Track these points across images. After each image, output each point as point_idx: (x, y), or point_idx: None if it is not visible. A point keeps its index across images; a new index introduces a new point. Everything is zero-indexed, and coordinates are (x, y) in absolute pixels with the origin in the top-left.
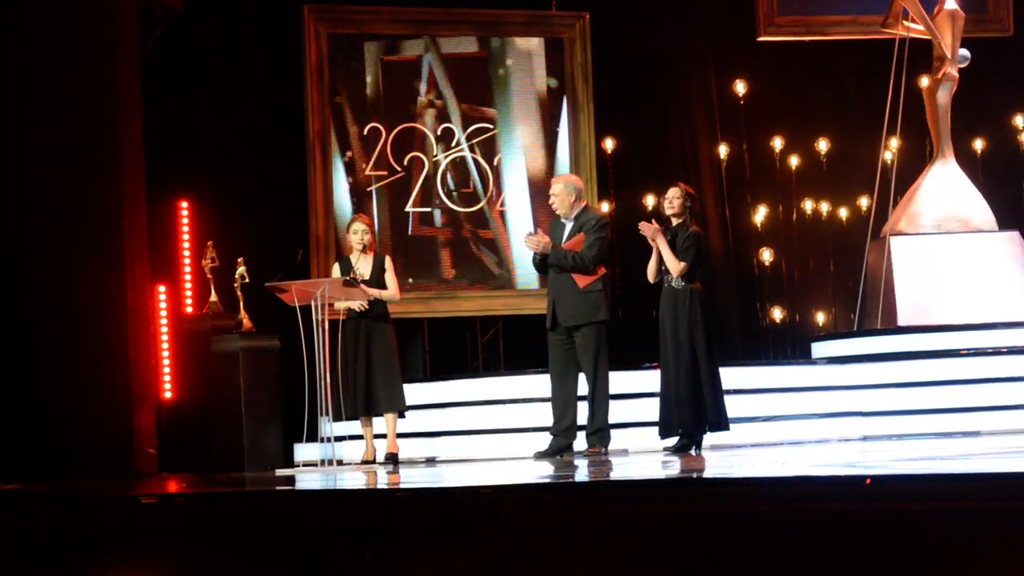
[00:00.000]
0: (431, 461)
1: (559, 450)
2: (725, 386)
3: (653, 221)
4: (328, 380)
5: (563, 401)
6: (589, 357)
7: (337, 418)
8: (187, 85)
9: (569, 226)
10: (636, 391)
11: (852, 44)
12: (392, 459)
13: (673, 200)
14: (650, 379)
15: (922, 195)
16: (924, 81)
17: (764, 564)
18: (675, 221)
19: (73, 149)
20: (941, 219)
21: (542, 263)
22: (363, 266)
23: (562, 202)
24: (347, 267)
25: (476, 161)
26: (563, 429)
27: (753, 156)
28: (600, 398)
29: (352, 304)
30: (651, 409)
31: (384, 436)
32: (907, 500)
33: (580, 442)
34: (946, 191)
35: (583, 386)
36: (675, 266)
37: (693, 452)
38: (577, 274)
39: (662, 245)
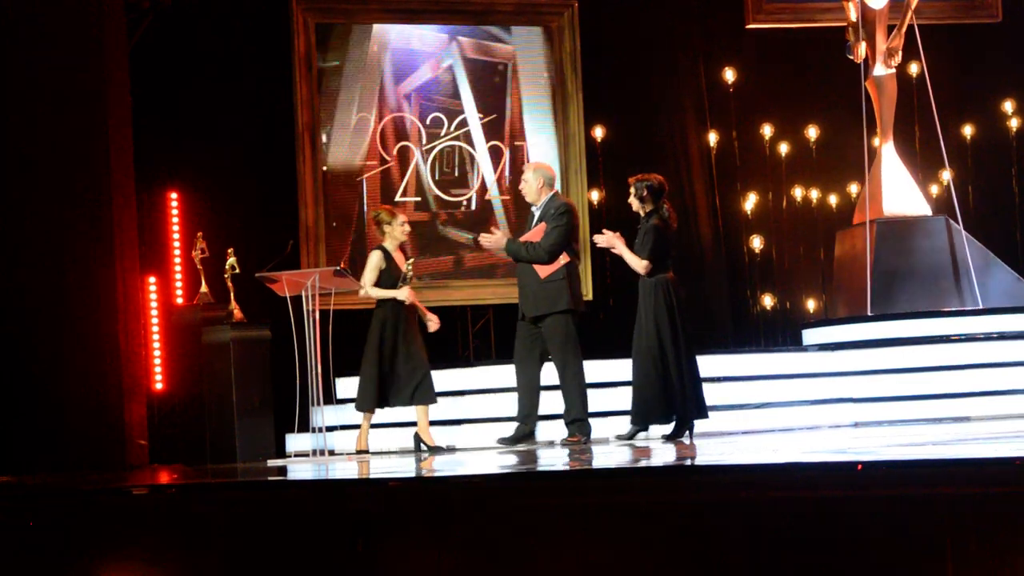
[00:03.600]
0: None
1: (521, 438)
2: (716, 373)
3: (604, 231)
4: (320, 370)
5: (525, 389)
6: (556, 347)
7: (381, 405)
8: (176, 76)
9: (536, 214)
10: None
11: (841, 31)
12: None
13: (630, 201)
14: (622, 368)
15: (896, 180)
16: (877, 70)
17: (756, 550)
18: (642, 214)
19: (62, 141)
20: (920, 202)
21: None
22: (400, 257)
23: (530, 188)
24: (389, 258)
25: (465, 150)
26: (524, 417)
27: (743, 144)
28: (571, 388)
29: (399, 294)
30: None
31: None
32: (898, 486)
33: (562, 431)
34: (907, 176)
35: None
36: (638, 265)
37: (686, 440)
38: (538, 265)
39: (622, 251)
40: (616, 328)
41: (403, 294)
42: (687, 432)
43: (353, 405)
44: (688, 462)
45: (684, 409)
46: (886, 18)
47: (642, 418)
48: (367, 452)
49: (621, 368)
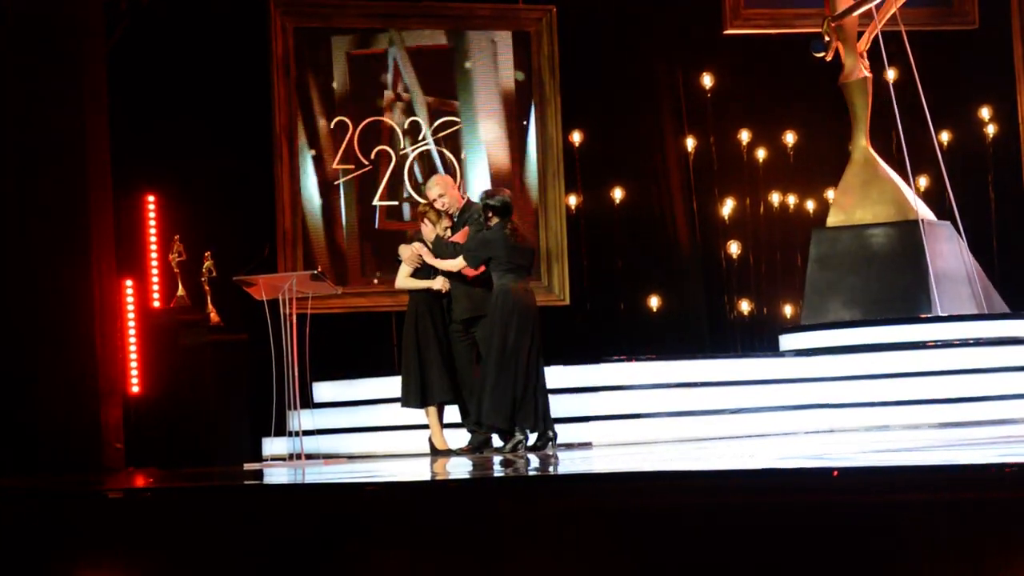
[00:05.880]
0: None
1: (480, 445)
2: (693, 378)
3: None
4: (296, 374)
5: (472, 396)
6: (487, 350)
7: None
8: (153, 79)
9: (455, 220)
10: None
11: (817, 37)
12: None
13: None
14: (613, 372)
15: (876, 184)
16: (853, 75)
17: (732, 556)
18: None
19: (39, 143)
20: (925, 207)
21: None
22: None
23: (452, 200)
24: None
25: (443, 155)
26: (477, 423)
27: (720, 149)
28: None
29: (435, 284)
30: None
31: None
32: (874, 492)
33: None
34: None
35: None
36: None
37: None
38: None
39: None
40: (592, 332)
41: (438, 283)
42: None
43: (329, 408)
44: (659, 468)
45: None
46: (857, 22)
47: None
48: (451, 451)
49: (599, 373)
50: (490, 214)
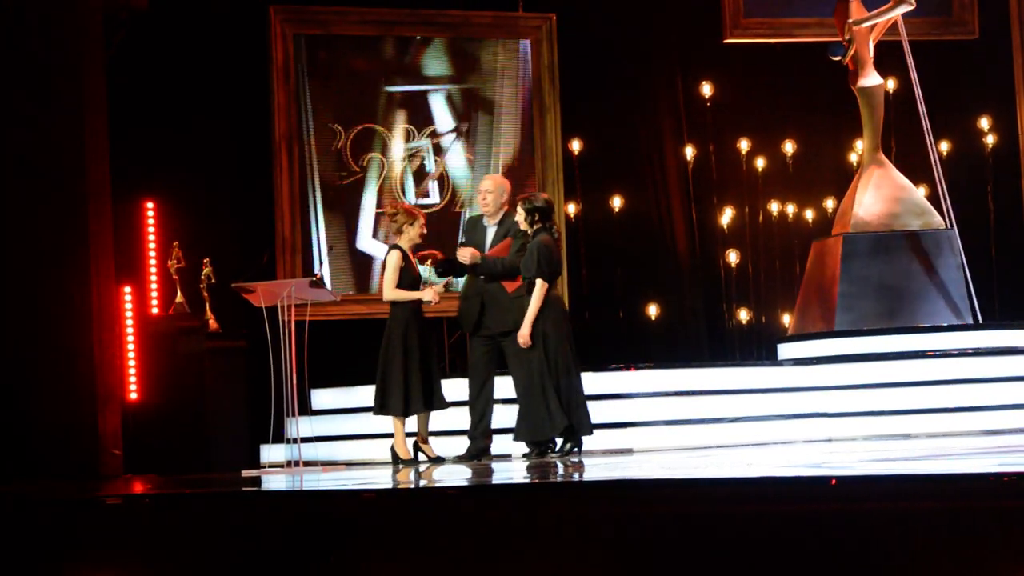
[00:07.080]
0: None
1: (478, 453)
2: (691, 387)
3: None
4: (295, 381)
5: (482, 405)
6: (522, 361)
7: (418, 410)
8: (153, 85)
9: (493, 230)
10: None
11: (818, 46)
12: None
13: (517, 219)
14: (611, 381)
15: (898, 191)
16: (869, 81)
17: (729, 564)
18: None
19: (38, 150)
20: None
21: (448, 270)
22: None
23: (494, 201)
24: (407, 257)
25: (436, 162)
26: (482, 432)
27: (720, 158)
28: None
29: (425, 295)
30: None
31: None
32: (871, 501)
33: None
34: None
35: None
36: (536, 296)
37: (574, 457)
38: (504, 280)
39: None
40: (591, 341)
41: (428, 295)
42: (575, 449)
43: (327, 415)
44: (660, 476)
45: (576, 424)
46: (870, 30)
47: (540, 431)
48: (414, 460)
49: (597, 382)
50: (536, 216)
